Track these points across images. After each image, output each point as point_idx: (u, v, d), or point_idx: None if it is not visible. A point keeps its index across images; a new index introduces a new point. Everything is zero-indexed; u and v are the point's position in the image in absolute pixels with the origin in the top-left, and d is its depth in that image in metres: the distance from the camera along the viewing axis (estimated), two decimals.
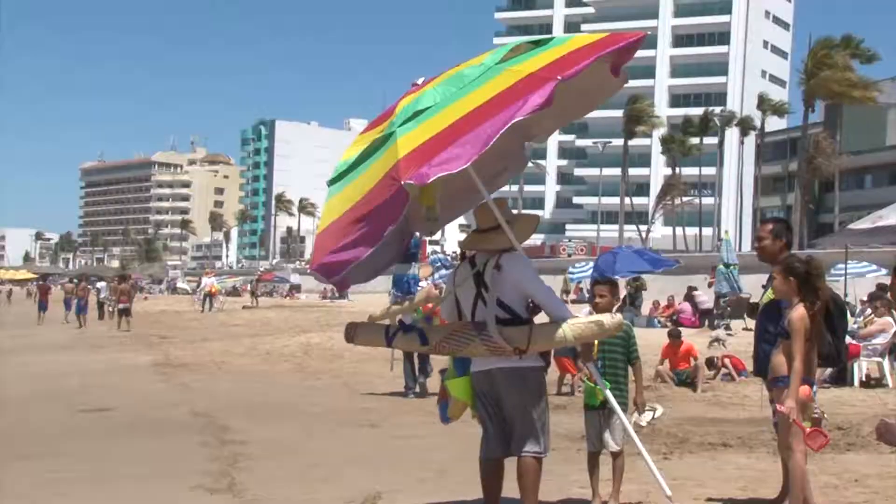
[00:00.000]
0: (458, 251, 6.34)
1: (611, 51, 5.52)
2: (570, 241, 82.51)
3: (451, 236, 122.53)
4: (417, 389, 14.41)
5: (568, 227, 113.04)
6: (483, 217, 6.05)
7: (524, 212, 6.58)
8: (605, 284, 7.18)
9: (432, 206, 5.60)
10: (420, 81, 6.01)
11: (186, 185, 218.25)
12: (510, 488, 6.20)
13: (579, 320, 6.01)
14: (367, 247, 5.34)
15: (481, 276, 5.96)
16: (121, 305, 33.19)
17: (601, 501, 6.96)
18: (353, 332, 6.02)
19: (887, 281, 25.54)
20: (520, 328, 5.85)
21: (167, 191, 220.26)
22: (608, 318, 5.98)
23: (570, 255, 71.27)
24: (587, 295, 41.79)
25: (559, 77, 5.21)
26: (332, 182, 5.93)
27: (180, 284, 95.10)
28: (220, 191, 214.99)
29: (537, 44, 5.80)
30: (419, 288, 14.69)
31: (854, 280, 27.93)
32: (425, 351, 6.03)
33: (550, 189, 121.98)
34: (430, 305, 12.92)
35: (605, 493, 7.06)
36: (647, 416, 7.11)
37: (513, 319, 5.87)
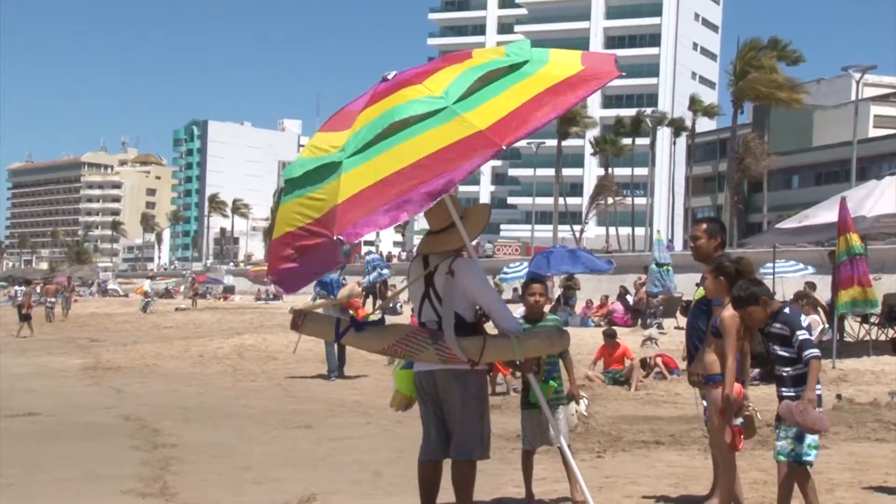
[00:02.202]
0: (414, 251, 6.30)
1: (581, 97, 5.45)
2: (489, 243, 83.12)
3: (387, 237, 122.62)
4: (336, 374, 16.56)
5: (502, 227, 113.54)
6: (434, 219, 5.99)
7: (475, 204, 6.47)
8: (538, 283, 7.22)
9: None
10: (391, 76, 5.78)
11: (117, 185, 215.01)
12: (444, 490, 6.19)
13: (529, 335, 6.03)
14: (306, 279, 5.61)
15: (431, 277, 5.93)
16: (24, 310, 30.97)
17: (535, 499, 6.99)
18: (302, 321, 5.87)
19: (815, 279, 26.09)
20: (473, 340, 5.82)
21: (97, 192, 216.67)
22: (558, 336, 6.13)
23: (489, 257, 71.61)
24: (521, 296, 42.08)
25: (503, 146, 5.10)
26: (287, 184, 5.77)
27: (111, 286, 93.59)
28: (151, 192, 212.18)
29: (510, 69, 5.51)
30: (343, 284, 17.35)
31: (782, 279, 28.44)
32: (378, 352, 5.99)
33: (485, 189, 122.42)
34: (353, 301, 16.56)
35: (537, 491, 7.10)
36: (582, 404, 7.20)
37: (459, 324, 5.82)
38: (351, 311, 15.52)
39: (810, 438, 5.89)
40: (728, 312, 6.13)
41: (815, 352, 5.85)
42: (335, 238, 5.08)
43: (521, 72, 5.49)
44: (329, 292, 16.96)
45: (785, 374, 5.91)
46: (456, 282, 5.83)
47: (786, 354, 5.91)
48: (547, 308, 6.99)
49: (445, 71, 5.62)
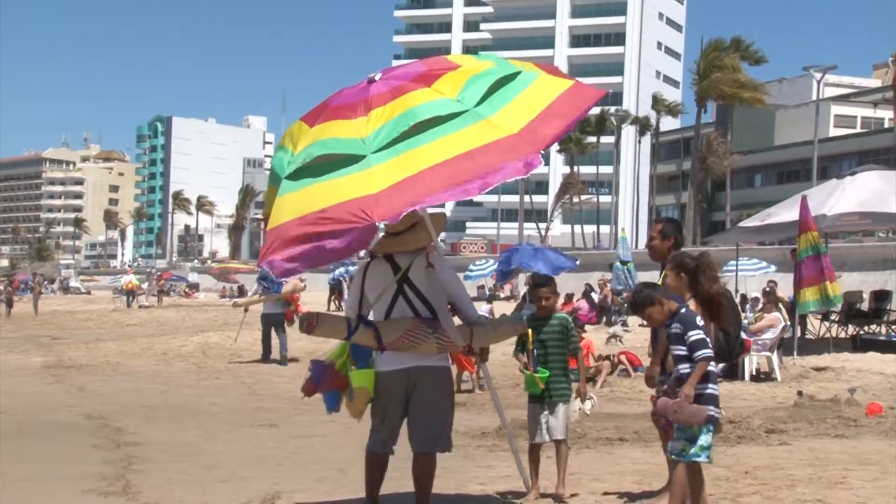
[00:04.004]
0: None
1: (582, 114, 5.92)
2: (443, 241, 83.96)
3: None
4: (279, 359, 18.49)
5: (468, 225, 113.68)
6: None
7: (431, 211, 6.84)
8: (544, 287, 7.21)
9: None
10: (378, 77, 6.04)
11: (79, 182, 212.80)
12: (400, 485, 6.21)
13: (498, 322, 6.26)
14: (320, 262, 5.58)
15: (406, 275, 6.13)
16: None
17: (538, 493, 7.04)
18: (316, 322, 6.02)
19: (777, 277, 26.34)
20: (461, 328, 6.21)
21: (59, 188, 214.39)
22: (520, 323, 6.68)
23: (446, 255, 73.06)
24: (487, 293, 42.10)
25: (542, 151, 5.47)
26: (289, 176, 5.85)
27: (73, 284, 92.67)
28: (114, 188, 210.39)
29: (506, 79, 5.85)
30: (286, 282, 18.38)
31: (745, 277, 28.68)
32: (379, 348, 6.09)
33: None
34: (295, 296, 18.80)
35: (501, 488, 7.12)
36: (588, 404, 7.25)
37: (434, 318, 6.12)
38: (292, 306, 18.91)
39: (703, 439, 5.90)
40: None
41: (706, 353, 5.82)
42: (376, 223, 5.31)
43: (521, 78, 5.88)
44: (273, 288, 18.56)
45: (683, 372, 5.92)
46: (437, 273, 6.14)
47: (681, 353, 5.93)
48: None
49: (449, 77, 5.91)
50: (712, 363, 5.92)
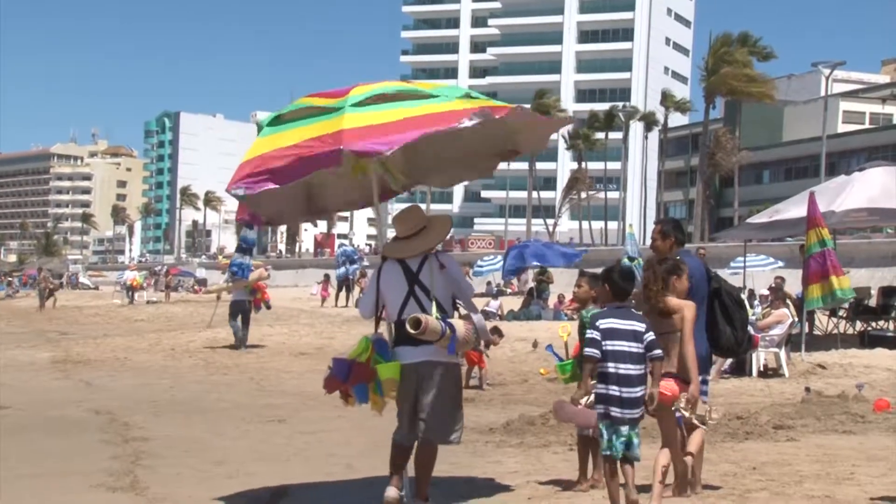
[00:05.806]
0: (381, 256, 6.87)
1: (530, 120, 6.96)
2: (450, 237, 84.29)
3: (360, 230, 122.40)
4: (248, 343, 20.02)
5: (476, 220, 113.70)
6: (403, 226, 6.59)
7: (436, 213, 7.21)
8: (582, 276, 7.55)
9: (366, 173, 6.61)
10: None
11: (87, 177, 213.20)
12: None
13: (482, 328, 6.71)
14: (280, 182, 6.05)
15: (416, 277, 6.44)
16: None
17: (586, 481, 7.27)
18: (427, 326, 6.21)
19: (785, 273, 26.30)
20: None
21: (67, 183, 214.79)
22: (484, 333, 6.83)
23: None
24: (494, 289, 42.09)
25: (497, 116, 6.23)
26: (269, 123, 6.63)
27: (82, 279, 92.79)
28: (122, 184, 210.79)
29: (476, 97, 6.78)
30: (252, 270, 20.37)
31: (752, 273, 28.63)
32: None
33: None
34: (261, 283, 20.71)
35: (512, 482, 7.12)
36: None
37: (445, 316, 6.45)
38: (258, 293, 20.69)
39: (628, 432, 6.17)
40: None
41: (586, 351, 6.05)
42: (340, 148, 5.89)
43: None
44: (242, 275, 20.03)
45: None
46: (447, 273, 6.50)
47: None
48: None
49: (427, 83, 6.99)
50: (613, 363, 6.01)
